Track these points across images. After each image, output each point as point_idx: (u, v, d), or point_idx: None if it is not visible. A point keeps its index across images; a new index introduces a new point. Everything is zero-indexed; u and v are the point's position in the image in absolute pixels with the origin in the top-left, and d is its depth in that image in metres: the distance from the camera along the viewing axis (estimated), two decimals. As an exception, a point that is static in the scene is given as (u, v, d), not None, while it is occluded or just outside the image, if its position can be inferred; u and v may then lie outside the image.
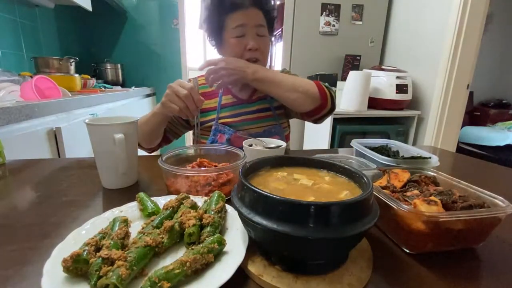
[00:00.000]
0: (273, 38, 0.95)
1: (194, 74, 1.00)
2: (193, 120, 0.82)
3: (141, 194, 0.45)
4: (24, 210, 0.48)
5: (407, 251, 0.38)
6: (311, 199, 0.34)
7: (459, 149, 2.62)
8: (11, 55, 1.67)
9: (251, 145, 0.67)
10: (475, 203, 0.37)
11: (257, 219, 0.29)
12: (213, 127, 0.89)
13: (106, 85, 2.29)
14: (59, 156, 1.12)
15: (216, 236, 0.34)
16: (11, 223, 0.43)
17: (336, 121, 1.98)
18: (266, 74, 0.78)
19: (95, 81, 2.08)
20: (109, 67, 2.57)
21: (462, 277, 0.33)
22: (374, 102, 2.11)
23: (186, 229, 0.35)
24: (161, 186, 0.57)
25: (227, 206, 0.42)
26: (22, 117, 0.93)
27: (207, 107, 0.92)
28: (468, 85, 1.95)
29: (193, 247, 0.32)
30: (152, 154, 0.89)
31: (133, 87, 2.36)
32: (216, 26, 0.85)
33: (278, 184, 0.38)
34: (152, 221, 0.38)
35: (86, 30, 2.61)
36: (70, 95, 1.42)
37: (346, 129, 1.99)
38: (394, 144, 0.71)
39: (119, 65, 2.61)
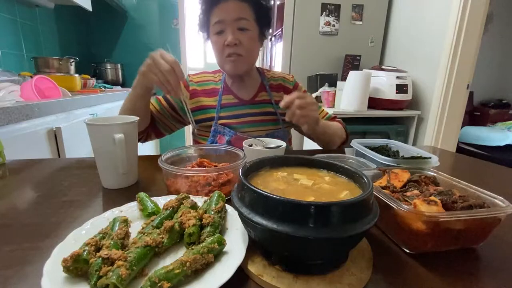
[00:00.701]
0: (268, 33, 0.91)
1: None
2: (178, 100, 0.77)
3: (141, 194, 0.45)
4: (24, 210, 0.48)
5: (407, 251, 0.38)
6: (311, 199, 0.34)
7: (459, 149, 2.62)
8: (11, 55, 1.67)
9: (251, 145, 0.67)
10: (475, 203, 0.37)
11: (257, 219, 0.29)
12: (212, 128, 0.88)
13: (106, 85, 2.29)
14: (59, 156, 1.12)
15: (216, 236, 0.34)
16: (11, 223, 0.43)
17: (336, 121, 1.98)
18: (325, 125, 0.84)
19: (95, 81, 2.08)
20: (109, 67, 2.57)
21: (462, 277, 0.33)
22: (374, 102, 2.11)
23: (186, 229, 0.35)
24: (161, 186, 0.57)
25: (227, 206, 0.42)
26: (22, 117, 0.93)
27: (206, 104, 0.90)
28: (468, 85, 1.95)
29: (193, 247, 0.32)
30: (152, 154, 0.89)
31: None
32: (205, 27, 0.85)
33: (278, 184, 0.37)
34: (152, 221, 0.38)
35: (86, 30, 2.61)
36: (70, 95, 1.42)
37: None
38: (394, 144, 0.71)
39: (119, 65, 2.61)
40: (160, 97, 0.92)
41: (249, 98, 0.93)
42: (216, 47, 0.83)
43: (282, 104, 0.69)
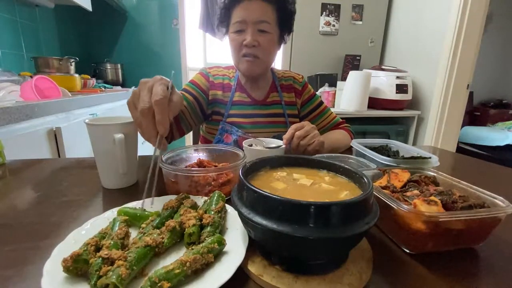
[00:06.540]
0: (288, 38, 0.90)
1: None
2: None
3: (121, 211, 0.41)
4: (24, 210, 0.48)
5: (407, 251, 0.38)
6: (311, 199, 0.33)
7: (459, 149, 2.62)
8: (11, 55, 1.67)
9: (251, 145, 0.67)
10: (475, 203, 0.37)
11: (257, 219, 0.29)
12: (219, 126, 0.87)
13: (106, 85, 2.29)
14: (59, 156, 1.12)
15: (216, 236, 0.34)
16: (11, 223, 0.43)
17: (336, 121, 1.98)
18: (331, 143, 0.84)
19: (95, 81, 2.08)
20: (109, 67, 2.57)
21: (462, 277, 0.33)
22: (374, 102, 2.11)
23: (186, 229, 0.35)
24: (161, 186, 0.57)
25: (227, 206, 0.42)
26: (22, 117, 0.93)
27: (219, 98, 0.89)
28: (468, 85, 1.95)
29: (193, 247, 0.32)
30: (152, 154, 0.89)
31: (133, 87, 2.36)
32: (225, 22, 0.84)
33: (278, 184, 0.37)
34: (152, 221, 0.39)
35: (86, 30, 2.61)
36: (70, 95, 1.42)
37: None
38: (394, 144, 0.71)
39: (119, 65, 2.61)
40: (187, 89, 0.87)
41: (261, 98, 0.92)
42: (233, 45, 0.82)
43: (284, 142, 0.69)
